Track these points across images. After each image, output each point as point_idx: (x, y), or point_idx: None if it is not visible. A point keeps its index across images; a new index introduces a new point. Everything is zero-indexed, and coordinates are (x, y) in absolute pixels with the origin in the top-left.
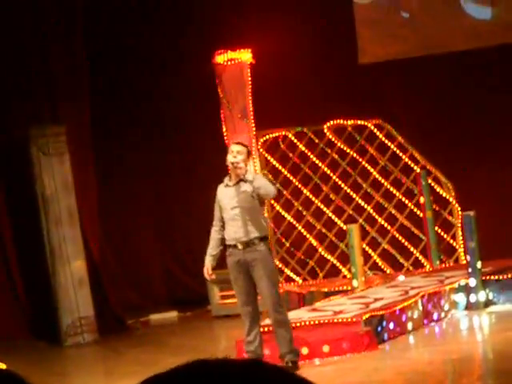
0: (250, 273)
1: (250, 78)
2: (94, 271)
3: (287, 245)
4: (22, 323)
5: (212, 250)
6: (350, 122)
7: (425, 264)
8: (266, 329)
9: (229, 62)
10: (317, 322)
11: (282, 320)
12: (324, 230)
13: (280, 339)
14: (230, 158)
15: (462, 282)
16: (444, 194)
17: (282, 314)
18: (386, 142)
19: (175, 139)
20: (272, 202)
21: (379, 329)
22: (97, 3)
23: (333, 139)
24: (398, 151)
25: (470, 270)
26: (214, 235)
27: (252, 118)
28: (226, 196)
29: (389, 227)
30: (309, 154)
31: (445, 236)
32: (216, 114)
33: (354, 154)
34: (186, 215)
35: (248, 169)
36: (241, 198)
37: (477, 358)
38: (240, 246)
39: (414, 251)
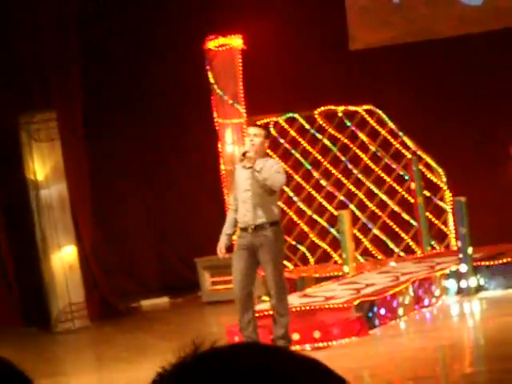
0: (255, 257)
1: (241, 64)
2: (84, 257)
3: None
4: (13, 310)
5: (227, 229)
6: (341, 108)
7: (416, 250)
8: (257, 314)
9: (220, 48)
10: (308, 308)
11: (283, 307)
12: (315, 216)
13: (277, 324)
14: (245, 142)
15: (453, 268)
16: (435, 180)
17: (285, 301)
18: (377, 127)
19: (166, 125)
20: None
21: (370, 314)
22: None
23: (324, 125)
24: (389, 137)
25: (460, 255)
26: (230, 215)
27: (243, 103)
28: (241, 177)
29: (380, 213)
30: (300, 139)
31: (436, 222)
32: (207, 100)
33: (345, 140)
34: (178, 201)
35: (256, 157)
36: (253, 181)
37: (468, 344)
38: (250, 230)
39: (405, 237)
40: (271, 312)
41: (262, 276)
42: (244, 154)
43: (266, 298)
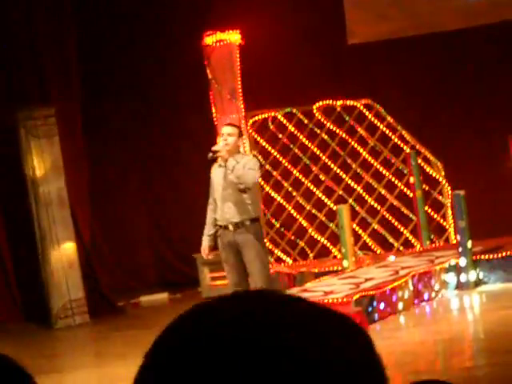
0: (240, 254)
1: (239, 59)
2: (84, 253)
3: (277, 226)
4: (13, 306)
5: (208, 230)
6: (339, 103)
7: (415, 244)
8: None
9: (218, 43)
10: None
11: None
12: (314, 211)
13: None
14: (218, 142)
15: (453, 262)
16: (434, 174)
17: None
18: (376, 122)
19: (165, 121)
20: (262, 182)
21: (370, 309)
22: None
23: (322, 120)
24: (387, 131)
25: (460, 249)
26: (210, 215)
27: (241, 99)
28: (218, 176)
29: (379, 207)
30: (298, 134)
31: (435, 216)
32: (205, 96)
33: (344, 135)
34: (176, 198)
35: (227, 156)
36: (231, 179)
37: (467, 338)
38: (231, 227)
39: (404, 231)
40: None
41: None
42: (214, 153)
43: None
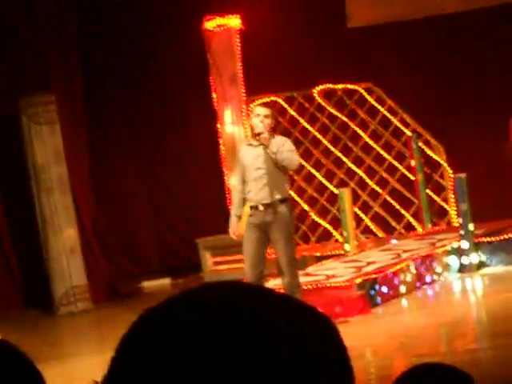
0: (267, 234)
1: (239, 44)
2: (86, 240)
3: None
4: (15, 293)
5: (236, 210)
6: (340, 86)
7: (417, 227)
8: None
9: (218, 29)
10: (310, 287)
11: (295, 284)
12: (315, 195)
13: None
14: (256, 123)
15: (455, 245)
16: (435, 157)
17: (297, 278)
18: (377, 105)
19: (166, 106)
20: None
21: (372, 292)
22: None
23: (323, 104)
24: (388, 115)
25: (462, 232)
26: (238, 196)
27: (242, 83)
28: (250, 156)
29: (380, 191)
30: (299, 118)
31: (436, 199)
32: (206, 80)
33: (345, 118)
34: (178, 182)
35: (271, 138)
36: (266, 159)
37: (470, 321)
38: (261, 208)
39: (406, 214)
40: (282, 290)
41: (272, 257)
42: (258, 135)
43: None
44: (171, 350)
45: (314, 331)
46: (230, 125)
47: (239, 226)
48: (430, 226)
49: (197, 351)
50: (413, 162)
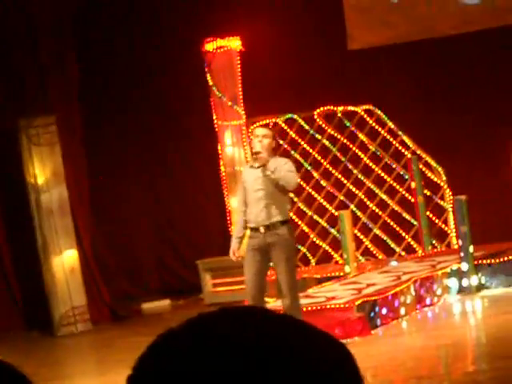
0: (268, 256)
1: (239, 66)
2: (85, 261)
3: None
4: (15, 314)
5: (238, 232)
6: (340, 108)
7: (417, 249)
8: None
9: (218, 50)
10: (310, 309)
11: (296, 307)
12: (315, 217)
13: None
14: (254, 143)
15: (455, 267)
16: (435, 179)
17: (298, 300)
18: (377, 127)
19: (166, 127)
20: None
21: (372, 314)
22: None
23: (323, 125)
24: (388, 137)
25: (462, 254)
26: (240, 217)
27: (242, 105)
28: (250, 177)
29: (380, 213)
30: (299, 140)
31: (436, 221)
32: (206, 102)
33: (345, 140)
34: (178, 203)
35: (269, 158)
36: (265, 180)
37: (470, 343)
38: (262, 229)
39: (406, 236)
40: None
41: (272, 279)
42: (256, 154)
43: (269, 299)
44: (192, 370)
45: (333, 357)
46: (230, 147)
47: (240, 247)
48: (429, 248)
49: (217, 376)
50: (413, 184)
